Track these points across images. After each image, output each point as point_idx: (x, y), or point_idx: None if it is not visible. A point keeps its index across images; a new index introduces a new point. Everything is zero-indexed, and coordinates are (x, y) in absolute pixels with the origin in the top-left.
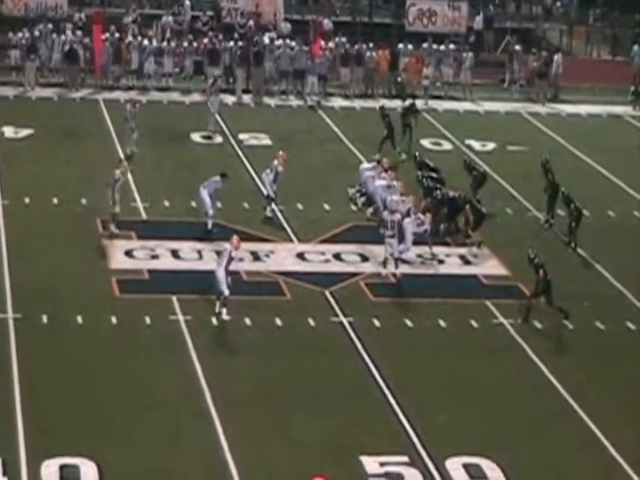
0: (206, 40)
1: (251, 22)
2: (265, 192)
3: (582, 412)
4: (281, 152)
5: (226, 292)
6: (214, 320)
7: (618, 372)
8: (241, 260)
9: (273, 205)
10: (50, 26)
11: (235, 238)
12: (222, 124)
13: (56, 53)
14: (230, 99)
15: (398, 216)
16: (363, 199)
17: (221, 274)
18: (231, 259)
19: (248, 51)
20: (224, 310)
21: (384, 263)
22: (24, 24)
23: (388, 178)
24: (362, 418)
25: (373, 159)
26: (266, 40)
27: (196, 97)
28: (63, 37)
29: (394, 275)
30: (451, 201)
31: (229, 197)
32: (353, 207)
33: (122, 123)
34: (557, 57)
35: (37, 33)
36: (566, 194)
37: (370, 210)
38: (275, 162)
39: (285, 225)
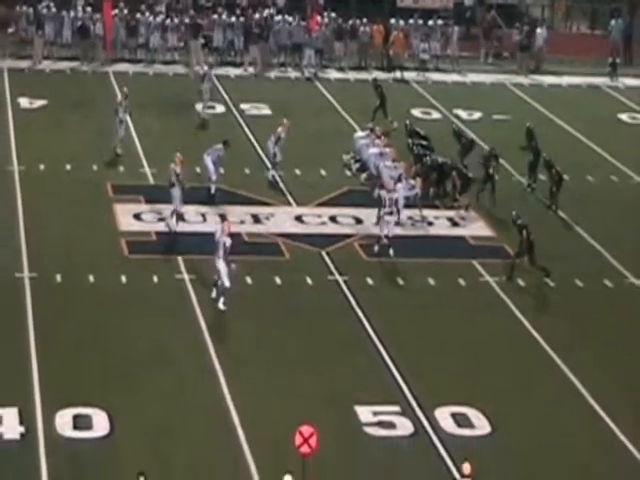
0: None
1: None
2: (270, 155)
3: (563, 365)
4: (285, 120)
5: (227, 283)
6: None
7: (596, 327)
8: (242, 223)
9: (274, 171)
10: (52, 4)
11: (226, 224)
12: (225, 95)
13: (66, 29)
14: (232, 71)
15: (396, 195)
16: (357, 165)
17: (221, 266)
18: (227, 248)
19: (252, 26)
20: (221, 299)
21: (379, 242)
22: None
23: (381, 145)
24: (356, 371)
25: (366, 127)
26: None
27: (199, 69)
28: (73, 13)
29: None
30: (440, 167)
31: (231, 163)
32: (348, 172)
33: (112, 116)
34: (540, 30)
35: (45, 10)
36: (547, 159)
37: (364, 175)
38: (279, 129)
39: (284, 189)
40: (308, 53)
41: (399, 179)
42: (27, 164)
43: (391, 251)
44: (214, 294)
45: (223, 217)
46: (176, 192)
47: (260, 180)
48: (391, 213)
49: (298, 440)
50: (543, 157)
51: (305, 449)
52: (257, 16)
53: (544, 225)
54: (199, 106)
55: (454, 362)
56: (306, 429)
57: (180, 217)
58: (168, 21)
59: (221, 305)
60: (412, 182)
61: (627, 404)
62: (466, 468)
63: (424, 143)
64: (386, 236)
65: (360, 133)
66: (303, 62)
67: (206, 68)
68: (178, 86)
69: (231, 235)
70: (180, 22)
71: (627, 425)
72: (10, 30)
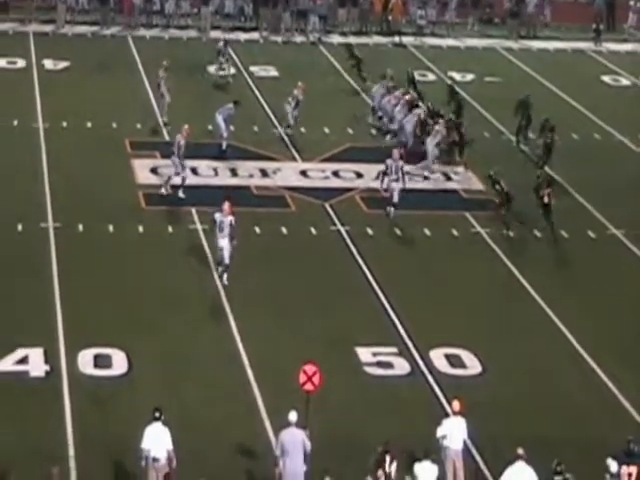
0: None
1: None
2: (291, 117)
3: (548, 309)
4: (300, 83)
5: (227, 261)
6: None
7: (579, 274)
8: (251, 177)
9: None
10: None
11: (227, 205)
12: (235, 58)
13: None
14: (242, 36)
15: (401, 163)
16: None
17: (225, 243)
18: (232, 227)
19: None
20: (225, 275)
21: (393, 206)
22: None
23: (400, 96)
24: (357, 314)
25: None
26: None
27: (211, 34)
28: None
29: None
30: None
31: (241, 121)
32: (373, 132)
33: (155, 91)
34: None
35: None
36: (551, 124)
37: (388, 138)
38: (295, 91)
39: (290, 146)
40: (313, 19)
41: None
42: (51, 121)
43: (392, 211)
44: (220, 271)
45: (226, 199)
46: (175, 160)
47: (268, 137)
48: (397, 180)
49: (302, 378)
50: (547, 121)
51: (309, 387)
52: None
53: (531, 180)
54: (213, 69)
55: (448, 307)
56: (309, 368)
57: (192, 171)
58: None
59: (225, 280)
60: (436, 127)
61: (608, 346)
62: (455, 405)
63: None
64: (393, 204)
65: (378, 87)
66: (308, 27)
67: (221, 44)
68: (191, 49)
69: (233, 213)
70: None
71: (608, 365)
72: None
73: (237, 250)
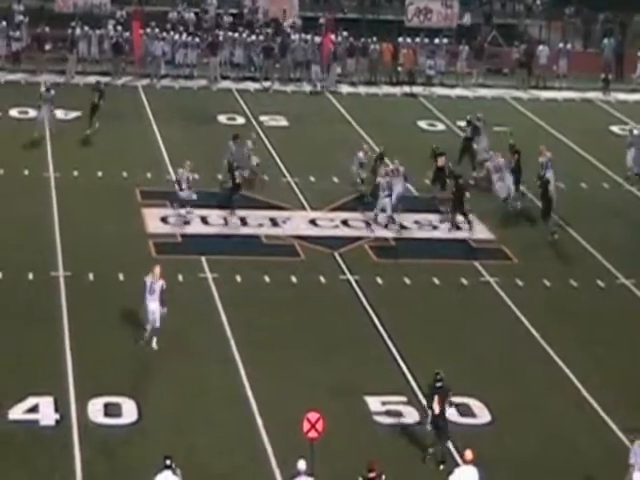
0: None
1: (260, 17)
2: (358, 179)
3: (557, 358)
4: (364, 145)
5: (158, 324)
6: (238, 277)
7: (588, 323)
8: (261, 226)
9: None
10: (86, 28)
11: (157, 269)
12: (245, 107)
13: (94, 46)
14: (252, 86)
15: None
16: None
17: (155, 307)
18: (163, 291)
19: (271, 44)
20: (154, 339)
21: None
22: (72, 20)
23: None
24: (366, 363)
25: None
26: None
27: (222, 84)
28: (101, 31)
29: None
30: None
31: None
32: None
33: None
34: (541, 47)
35: (78, 31)
36: None
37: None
38: (360, 153)
39: (299, 195)
40: (314, 68)
41: None
42: (62, 171)
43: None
44: (147, 335)
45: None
46: (185, 194)
47: (277, 186)
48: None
49: (306, 426)
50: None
51: (313, 434)
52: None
53: (539, 228)
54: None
55: (457, 355)
56: (312, 415)
57: (203, 220)
58: (189, 39)
59: (154, 345)
60: None
61: (618, 397)
62: (468, 454)
63: None
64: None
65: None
66: (313, 77)
67: (43, 89)
68: (201, 99)
69: (163, 277)
70: (201, 40)
71: (618, 415)
72: (47, 47)
73: (167, 317)
